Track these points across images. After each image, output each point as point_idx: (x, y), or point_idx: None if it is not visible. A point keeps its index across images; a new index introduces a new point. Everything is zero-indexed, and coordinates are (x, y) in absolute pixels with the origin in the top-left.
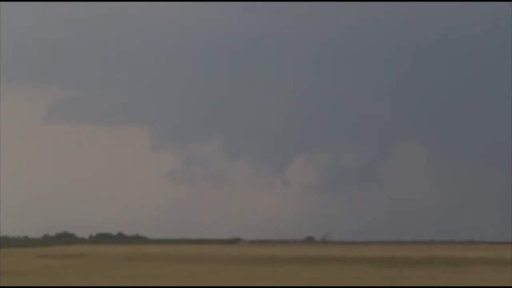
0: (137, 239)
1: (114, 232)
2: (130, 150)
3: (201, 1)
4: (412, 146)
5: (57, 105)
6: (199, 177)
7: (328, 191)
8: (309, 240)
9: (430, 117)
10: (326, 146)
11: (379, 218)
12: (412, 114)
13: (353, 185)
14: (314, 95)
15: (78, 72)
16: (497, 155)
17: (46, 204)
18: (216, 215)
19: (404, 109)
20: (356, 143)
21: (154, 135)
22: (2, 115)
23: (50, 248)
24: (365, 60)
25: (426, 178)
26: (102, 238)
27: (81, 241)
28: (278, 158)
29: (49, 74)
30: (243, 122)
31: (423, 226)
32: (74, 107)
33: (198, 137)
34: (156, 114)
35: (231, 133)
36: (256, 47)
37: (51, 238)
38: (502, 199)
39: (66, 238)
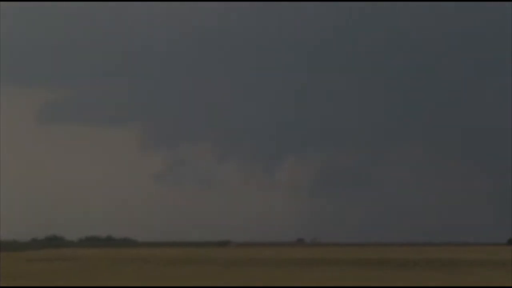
0: (126, 242)
1: (103, 235)
2: (119, 152)
3: (192, 1)
4: (406, 148)
5: (47, 107)
6: (188, 179)
7: (320, 193)
8: (300, 242)
9: (424, 120)
10: (316, 148)
11: (373, 220)
12: (406, 117)
13: (346, 187)
14: (305, 96)
15: (69, 74)
16: (492, 158)
17: (35, 207)
18: (205, 217)
19: (398, 111)
20: (348, 145)
21: (143, 137)
22: None
23: (39, 251)
24: (361, 62)
25: (420, 180)
26: (91, 241)
27: (70, 244)
28: (267, 160)
29: (40, 76)
30: (232, 124)
31: (417, 228)
32: (64, 109)
33: (187, 139)
34: (145, 117)
35: (220, 135)
36: (248, 48)
37: (40, 241)
38: (496, 201)
39: (55, 242)
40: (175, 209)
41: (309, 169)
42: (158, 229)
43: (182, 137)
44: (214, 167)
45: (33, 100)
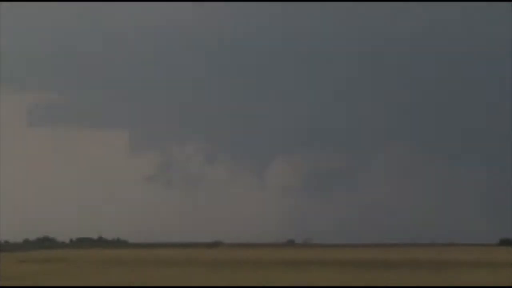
0: (118, 243)
1: (95, 236)
2: (109, 154)
3: (181, 1)
4: (393, 148)
5: (37, 109)
6: (178, 180)
7: (308, 193)
8: (290, 243)
9: (412, 120)
10: (306, 148)
11: (361, 220)
12: (397, 117)
13: (334, 187)
14: (294, 96)
15: (58, 76)
16: (479, 158)
17: (26, 208)
18: (196, 218)
19: (386, 112)
20: (339, 146)
21: (132, 139)
22: None
23: (30, 252)
24: (350, 62)
25: (407, 181)
26: (83, 242)
27: (62, 245)
28: (257, 161)
29: (29, 78)
30: (221, 125)
31: (404, 229)
32: (53, 111)
33: (176, 140)
34: (134, 118)
35: (209, 136)
36: (236, 49)
37: (31, 242)
38: (483, 201)
39: (46, 243)
40: (166, 210)
41: (299, 169)
42: (149, 230)
43: (171, 139)
44: (203, 168)
45: (25, 102)
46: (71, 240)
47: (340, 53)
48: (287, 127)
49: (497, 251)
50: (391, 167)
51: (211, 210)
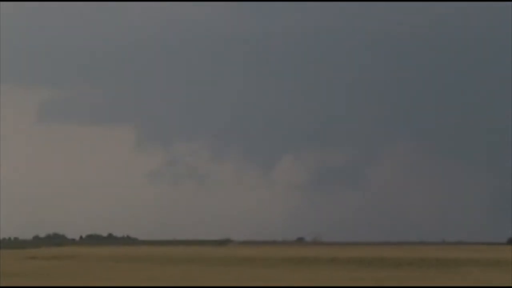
0: (127, 240)
1: (104, 233)
2: (117, 150)
3: (185, 1)
4: (402, 146)
5: (45, 106)
6: (185, 177)
7: (316, 191)
8: (300, 241)
9: (418, 118)
10: (313, 146)
11: (369, 218)
12: (400, 114)
13: (342, 185)
14: (301, 94)
15: (65, 73)
16: (487, 156)
17: (36, 205)
18: (204, 216)
19: (392, 109)
20: (345, 143)
21: (139, 135)
22: None
23: (40, 249)
24: (354, 60)
25: (415, 179)
26: (92, 239)
27: (71, 242)
28: (264, 158)
29: (37, 75)
30: (229, 121)
31: (413, 227)
32: (61, 108)
33: (183, 137)
34: (140, 115)
35: (217, 133)
36: (241, 46)
37: (41, 239)
38: (491, 199)
39: (56, 239)
40: (175, 208)
41: (307, 167)
42: (159, 227)
43: (178, 136)
44: (211, 165)
45: (32, 99)
46: (81, 237)
47: (347, 52)
48: (295, 125)
49: (505, 250)
50: (399, 165)
51: (219, 208)
